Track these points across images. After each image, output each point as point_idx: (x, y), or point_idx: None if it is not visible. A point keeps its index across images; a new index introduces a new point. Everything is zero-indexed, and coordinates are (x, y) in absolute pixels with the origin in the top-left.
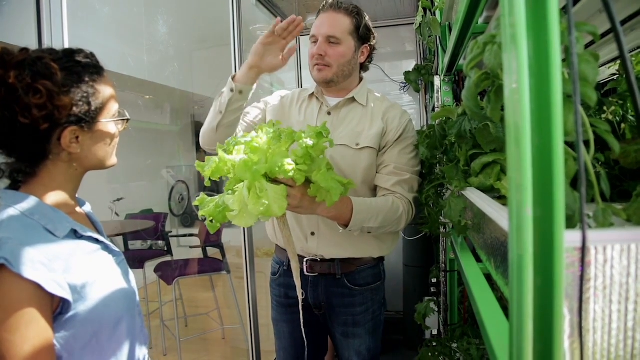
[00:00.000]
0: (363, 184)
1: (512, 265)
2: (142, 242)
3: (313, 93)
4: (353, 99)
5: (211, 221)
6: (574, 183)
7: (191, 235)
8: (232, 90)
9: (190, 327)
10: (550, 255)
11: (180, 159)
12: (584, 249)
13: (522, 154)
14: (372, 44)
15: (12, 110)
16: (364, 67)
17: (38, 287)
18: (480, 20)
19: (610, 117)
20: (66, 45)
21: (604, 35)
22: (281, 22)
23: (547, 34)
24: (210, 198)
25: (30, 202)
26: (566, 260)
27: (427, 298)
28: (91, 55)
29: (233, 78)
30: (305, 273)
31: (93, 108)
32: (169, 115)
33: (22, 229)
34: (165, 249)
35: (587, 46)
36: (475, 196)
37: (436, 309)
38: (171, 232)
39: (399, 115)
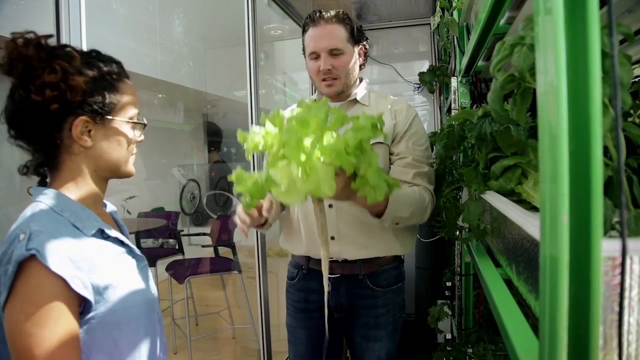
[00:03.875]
0: None
1: (544, 275)
2: (154, 240)
3: (315, 100)
4: (355, 100)
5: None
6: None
7: (203, 234)
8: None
9: (201, 326)
10: (587, 265)
11: (192, 158)
12: (624, 258)
13: (558, 160)
14: (364, 43)
15: (26, 88)
16: (360, 67)
17: (64, 282)
18: (502, 21)
19: (637, 120)
20: (84, 44)
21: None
22: None
23: (586, 35)
24: (248, 174)
25: (59, 198)
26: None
27: (440, 301)
28: (117, 61)
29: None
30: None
31: (107, 101)
32: (182, 115)
33: (52, 223)
34: (177, 247)
35: None
36: (496, 200)
37: (450, 313)
38: (182, 230)
39: (405, 108)
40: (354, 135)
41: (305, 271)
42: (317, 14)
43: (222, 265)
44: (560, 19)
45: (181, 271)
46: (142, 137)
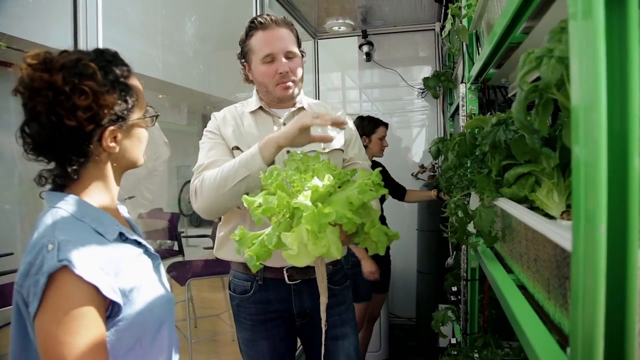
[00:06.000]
0: None
1: (576, 285)
2: (153, 242)
3: (260, 108)
4: (302, 108)
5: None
6: None
7: (203, 236)
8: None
9: (201, 329)
10: (622, 275)
11: (195, 158)
12: None
13: (596, 169)
14: (302, 50)
15: (58, 114)
16: None
17: (96, 290)
18: (519, 31)
19: None
20: (100, 47)
21: None
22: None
23: (625, 41)
24: (252, 234)
25: (78, 204)
26: None
27: (443, 306)
28: (116, 54)
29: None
30: (287, 282)
31: (130, 106)
32: (186, 116)
33: (77, 231)
34: (177, 249)
35: None
36: (511, 207)
37: (453, 317)
38: (182, 232)
39: (344, 114)
40: (359, 197)
41: (260, 282)
42: (266, 19)
43: (222, 267)
44: (600, 25)
45: (182, 273)
46: (155, 124)
